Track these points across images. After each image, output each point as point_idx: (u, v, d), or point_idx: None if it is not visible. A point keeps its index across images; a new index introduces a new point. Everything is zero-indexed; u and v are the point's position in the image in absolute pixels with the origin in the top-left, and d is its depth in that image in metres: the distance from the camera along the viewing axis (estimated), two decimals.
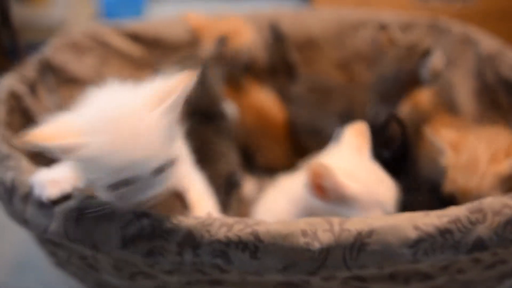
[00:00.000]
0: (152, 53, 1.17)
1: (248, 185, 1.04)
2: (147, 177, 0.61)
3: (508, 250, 0.66)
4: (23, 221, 0.70)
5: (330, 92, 1.14)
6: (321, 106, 1.12)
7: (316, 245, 0.60)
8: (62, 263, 0.79)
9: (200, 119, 0.89)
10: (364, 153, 0.75)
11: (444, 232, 0.61)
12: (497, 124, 0.98)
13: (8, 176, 0.71)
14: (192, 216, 0.66)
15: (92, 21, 1.77)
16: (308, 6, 1.76)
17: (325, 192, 0.69)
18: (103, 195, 0.63)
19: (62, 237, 0.66)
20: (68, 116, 0.62)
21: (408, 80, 1.03)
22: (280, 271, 0.62)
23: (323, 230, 0.61)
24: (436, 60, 1.01)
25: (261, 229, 0.61)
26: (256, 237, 0.61)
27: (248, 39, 1.11)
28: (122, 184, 0.61)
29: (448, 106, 1.10)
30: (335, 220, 0.62)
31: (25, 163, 0.73)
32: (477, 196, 0.65)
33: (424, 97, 1.05)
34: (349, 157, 0.74)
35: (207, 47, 1.09)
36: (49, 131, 0.59)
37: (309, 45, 1.22)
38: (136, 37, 1.17)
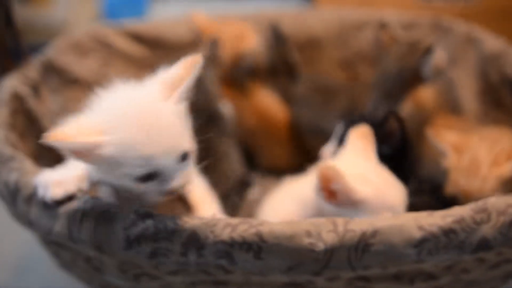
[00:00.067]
0: (154, 54, 1.17)
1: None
2: (173, 165, 0.62)
3: None
4: (27, 222, 0.70)
5: (333, 92, 1.14)
6: (324, 105, 1.12)
7: (321, 246, 0.60)
8: (66, 265, 0.79)
9: (199, 119, 0.89)
10: (370, 156, 0.75)
11: (448, 232, 0.61)
12: (500, 124, 0.98)
13: (12, 177, 0.71)
14: (196, 216, 0.66)
15: (94, 22, 1.77)
16: (311, 6, 1.75)
17: (335, 195, 0.69)
18: (134, 188, 0.63)
19: (66, 238, 0.66)
20: (85, 116, 0.62)
21: (410, 78, 1.03)
22: (284, 272, 0.62)
23: (327, 231, 0.61)
24: (439, 57, 1.01)
25: (265, 229, 0.61)
26: (260, 237, 0.60)
27: (253, 43, 1.11)
28: (150, 176, 0.62)
29: (451, 106, 1.10)
30: (339, 221, 0.62)
31: (28, 164, 0.73)
32: (479, 198, 0.65)
33: (426, 95, 1.04)
34: (356, 160, 0.74)
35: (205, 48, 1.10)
36: (71, 131, 0.60)
37: (311, 45, 1.22)
38: (138, 38, 1.17)
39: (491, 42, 1.08)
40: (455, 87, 1.12)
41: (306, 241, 0.60)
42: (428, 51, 1.01)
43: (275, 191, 0.86)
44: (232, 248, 0.61)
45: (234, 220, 0.63)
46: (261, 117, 1.12)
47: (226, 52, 1.08)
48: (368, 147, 0.76)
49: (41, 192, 0.67)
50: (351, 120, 0.89)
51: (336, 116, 1.08)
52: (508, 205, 0.63)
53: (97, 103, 0.63)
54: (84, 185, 0.68)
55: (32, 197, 0.69)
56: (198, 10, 1.20)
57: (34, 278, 0.93)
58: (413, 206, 0.72)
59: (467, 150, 0.87)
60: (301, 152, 1.12)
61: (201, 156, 0.73)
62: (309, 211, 0.72)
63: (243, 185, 0.98)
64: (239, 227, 0.61)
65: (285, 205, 0.79)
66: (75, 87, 1.06)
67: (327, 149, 0.89)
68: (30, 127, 0.92)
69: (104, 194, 0.69)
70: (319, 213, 0.70)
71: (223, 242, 0.61)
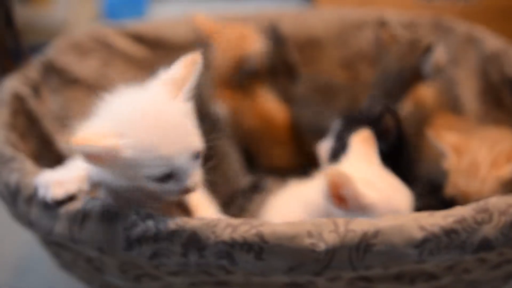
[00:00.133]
0: (155, 54, 1.17)
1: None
2: (187, 164, 0.63)
3: None
4: (28, 223, 0.70)
5: (333, 91, 1.14)
6: (325, 105, 1.12)
7: (322, 246, 0.60)
8: (66, 265, 0.79)
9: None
10: (373, 160, 0.76)
11: (449, 232, 0.61)
12: (501, 124, 0.98)
13: (12, 178, 0.71)
14: (197, 217, 0.66)
15: (94, 22, 1.77)
16: (311, 6, 1.75)
17: (344, 201, 0.69)
18: (151, 190, 0.64)
19: (67, 238, 0.66)
20: (98, 121, 0.63)
21: (410, 76, 1.03)
22: (285, 272, 0.62)
23: (329, 231, 0.61)
24: (439, 55, 1.01)
25: (266, 230, 0.61)
26: (261, 238, 0.60)
27: (256, 46, 1.11)
28: (167, 176, 0.62)
29: (451, 105, 1.10)
30: (340, 221, 0.62)
31: (29, 165, 0.73)
32: (478, 200, 0.65)
33: (426, 94, 1.04)
34: (360, 165, 0.74)
35: (215, 52, 1.10)
36: (91, 135, 0.60)
37: (311, 45, 1.22)
38: (139, 38, 1.17)
39: (492, 41, 1.08)
40: (455, 87, 1.12)
41: (307, 241, 0.60)
42: (428, 49, 1.01)
43: (280, 194, 0.86)
44: (233, 249, 0.61)
45: (235, 221, 0.62)
46: (262, 118, 1.11)
47: (228, 54, 1.08)
48: (370, 151, 0.76)
49: (41, 192, 0.67)
50: (348, 117, 0.90)
51: (337, 115, 1.08)
52: (510, 205, 0.63)
53: (106, 108, 0.64)
54: (85, 186, 0.68)
55: (32, 197, 0.68)
56: (199, 10, 1.19)
57: (35, 279, 0.93)
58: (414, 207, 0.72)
59: (467, 151, 0.86)
60: (301, 152, 1.12)
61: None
62: (315, 215, 0.72)
63: (253, 189, 0.98)
64: (240, 228, 0.61)
65: (292, 209, 0.78)
66: (75, 87, 1.06)
67: (323, 145, 0.89)
68: (30, 127, 0.92)
69: (103, 196, 0.69)
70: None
71: (224, 243, 0.61)
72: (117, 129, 0.61)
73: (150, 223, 0.63)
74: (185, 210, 0.74)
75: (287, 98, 1.16)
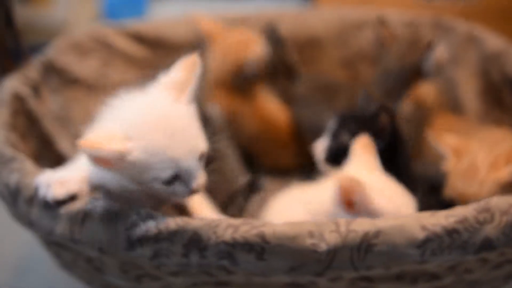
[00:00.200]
0: (155, 53, 1.17)
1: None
2: (194, 165, 0.64)
3: None
4: (28, 223, 0.70)
5: (334, 90, 1.14)
6: (326, 104, 1.12)
7: (323, 246, 0.60)
8: (67, 265, 0.78)
9: None
10: (375, 167, 0.76)
11: (451, 232, 0.61)
12: (502, 124, 0.98)
13: (13, 178, 0.71)
14: (198, 217, 0.66)
15: (94, 22, 1.77)
16: (311, 6, 1.75)
17: (353, 206, 0.69)
18: (161, 191, 0.65)
19: (68, 239, 0.66)
20: (106, 125, 0.63)
21: (411, 75, 1.03)
22: (287, 273, 0.62)
23: (330, 231, 0.61)
24: (440, 53, 1.01)
25: (267, 230, 0.61)
26: (263, 238, 0.60)
27: (258, 51, 1.11)
28: (175, 177, 0.63)
29: (452, 105, 1.10)
30: (342, 221, 0.62)
31: (29, 165, 0.73)
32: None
33: (427, 92, 1.04)
34: (363, 172, 0.74)
35: (214, 54, 1.10)
36: (100, 139, 0.60)
37: (312, 44, 1.22)
38: (139, 38, 1.17)
39: (492, 41, 1.08)
40: (456, 87, 1.12)
41: (309, 241, 0.60)
42: (429, 47, 1.01)
43: (282, 196, 0.86)
44: (234, 249, 0.61)
45: (236, 221, 0.62)
46: (263, 121, 1.11)
47: (228, 57, 1.08)
48: (371, 158, 0.77)
49: (42, 191, 0.67)
50: (343, 116, 0.90)
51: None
52: (511, 205, 0.63)
53: (112, 112, 0.65)
54: (86, 187, 0.68)
55: (33, 198, 0.68)
56: (199, 10, 1.19)
57: (35, 279, 0.93)
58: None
59: (467, 153, 0.86)
60: (302, 152, 1.12)
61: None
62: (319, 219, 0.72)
63: (251, 188, 0.98)
64: (241, 228, 0.61)
65: (294, 212, 0.78)
66: (75, 87, 1.06)
67: (319, 144, 0.90)
68: (30, 127, 0.91)
69: (103, 197, 0.69)
70: None
71: (225, 243, 0.61)
72: (125, 133, 0.61)
73: (151, 223, 0.63)
74: (182, 210, 0.74)
75: (287, 98, 1.16)
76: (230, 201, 0.92)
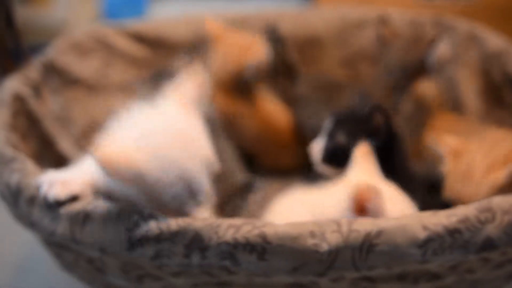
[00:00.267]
0: (155, 53, 1.17)
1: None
2: (204, 177, 0.65)
3: None
4: (29, 224, 0.70)
5: (334, 90, 1.14)
6: (328, 103, 1.12)
7: (325, 247, 0.60)
8: (67, 265, 0.78)
9: None
10: (376, 175, 0.76)
11: (453, 232, 0.61)
12: (503, 124, 0.98)
13: (14, 178, 0.71)
14: (199, 218, 0.66)
15: (94, 22, 1.77)
16: (311, 5, 1.75)
17: (365, 212, 0.69)
18: (172, 203, 0.66)
19: (69, 239, 0.66)
20: (118, 139, 0.65)
21: (413, 72, 1.03)
22: (288, 273, 0.61)
23: (331, 231, 0.61)
24: (443, 49, 1.01)
25: (269, 230, 0.61)
26: (264, 238, 0.60)
27: (260, 57, 1.11)
28: (186, 190, 0.65)
29: (452, 104, 1.09)
30: (343, 221, 0.62)
31: (30, 165, 0.73)
32: None
33: (428, 88, 1.04)
34: (365, 180, 0.74)
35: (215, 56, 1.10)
36: (111, 154, 0.61)
37: (312, 44, 1.22)
38: (139, 38, 1.17)
39: (493, 40, 1.08)
40: (456, 86, 1.12)
41: (310, 242, 0.60)
42: (432, 43, 1.00)
43: (286, 198, 0.85)
44: (236, 250, 0.61)
45: (238, 221, 0.62)
46: (263, 121, 1.11)
47: (230, 61, 1.08)
48: (371, 166, 0.77)
49: (44, 191, 0.67)
50: (339, 116, 0.90)
51: None
52: None
53: (125, 127, 0.66)
54: (89, 190, 0.68)
55: (34, 198, 0.68)
56: (199, 10, 1.19)
57: (35, 279, 0.93)
58: None
59: (465, 154, 0.86)
60: (303, 152, 1.12)
61: None
62: None
63: (247, 188, 0.98)
64: (243, 228, 0.61)
65: (298, 216, 0.78)
66: (75, 88, 1.06)
67: (316, 144, 0.89)
68: (31, 128, 0.91)
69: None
70: None
71: (226, 243, 0.61)
72: (140, 148, 0.63)
73: (152, 224, 0.63)
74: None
75: (288, 98, 1.16)
76: (227, 201, 0.92)
